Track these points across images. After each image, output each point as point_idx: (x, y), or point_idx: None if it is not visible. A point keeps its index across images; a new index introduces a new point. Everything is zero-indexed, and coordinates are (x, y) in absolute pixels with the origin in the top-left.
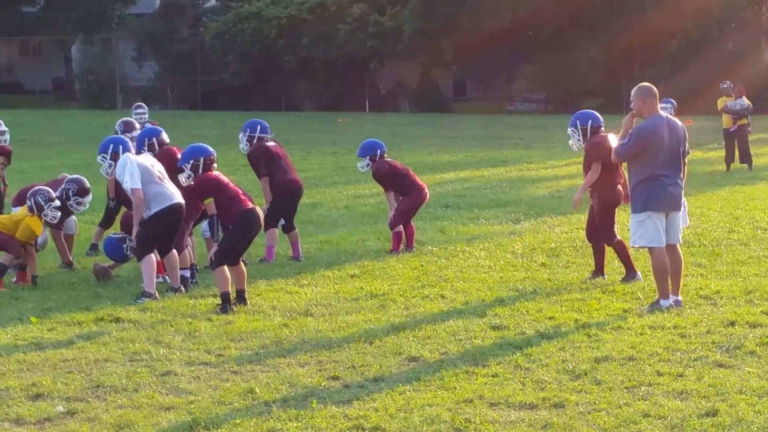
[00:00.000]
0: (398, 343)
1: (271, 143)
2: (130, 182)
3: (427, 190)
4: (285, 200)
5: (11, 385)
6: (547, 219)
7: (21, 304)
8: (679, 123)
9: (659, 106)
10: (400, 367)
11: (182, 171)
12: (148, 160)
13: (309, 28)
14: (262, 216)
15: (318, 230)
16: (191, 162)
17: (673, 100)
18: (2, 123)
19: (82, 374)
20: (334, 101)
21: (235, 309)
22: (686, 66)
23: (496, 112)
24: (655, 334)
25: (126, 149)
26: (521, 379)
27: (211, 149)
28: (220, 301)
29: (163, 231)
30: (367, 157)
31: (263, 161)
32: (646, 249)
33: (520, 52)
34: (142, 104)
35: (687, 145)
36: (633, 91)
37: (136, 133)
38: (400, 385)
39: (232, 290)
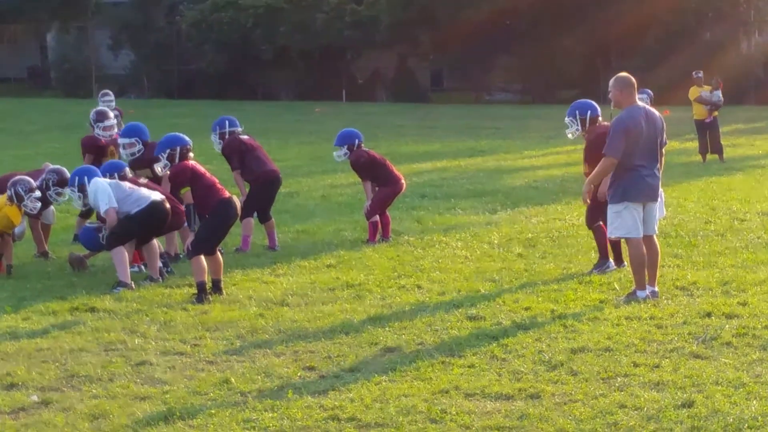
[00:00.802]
0: (374, 333)
1: (244, 136)
2: (108, 203)
3: (403, 181)
4: (263, 190)
5: None
6: (523, 209)
7: None
8: (657, 113)
9: (636, 96)
10: (376, 357)
11: (158, 160)
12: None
13: (286, 17)
14: (239, 205)
15: (294, 220)
16: (167, 151)
17: (649, 91)
18: None
19: (57, 364)
20: (311, 90)
21: (210, 299)
22: (664, 57)
23: (473, 102)
24: (631, 325)
25: (91, 177)
26: (497, 370)
27: (187, 138)
28: (195, 291)
29: (141, 229)
30: (345, 147)
31: (236, 154)
32: (623, 239)
33: (497, 43)
34: (108, 91)
35: (665, 135)
36: (611, 82)
37: (109, 122)
38: (376, 375)
39: (208, 280)
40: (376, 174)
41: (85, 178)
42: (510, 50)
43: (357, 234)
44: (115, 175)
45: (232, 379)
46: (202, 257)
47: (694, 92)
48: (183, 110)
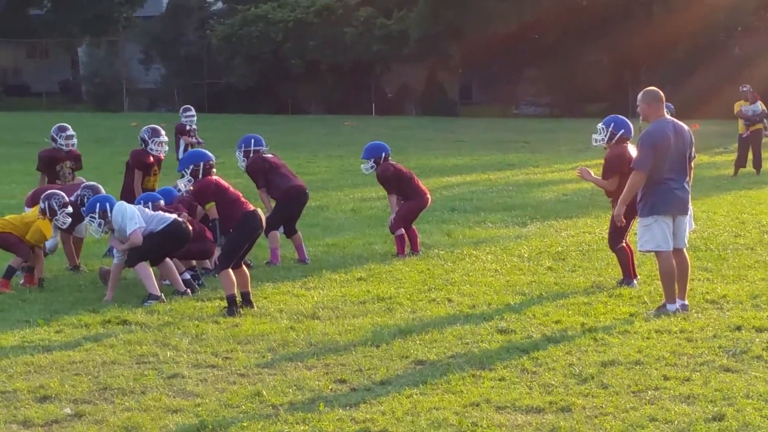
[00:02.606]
0: (405, 346)
1: (268, 155)
2: (138, 223)
3: (429, 196)
4: (289, 206)
5: (19, 388)
6: (553, 222)
7: (28, 306)
8: (686, 127)
9: (664, 110)
10: (407, 370)
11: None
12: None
13: (315, 31)
14: (263, 218)
15: (324, 233)
16: (191, 167)
17: (671, 105)
18: (69, 128)
19: (90, 376)
20: (340, 104)
21: (241, 312)
22: (693, 71)
23: (501, 116)
24: (661, 339)
25: (112, 205)
26: (528, 383)
27: (210, 154)
28: (226, 304)
29: (162, 245)
30: (372, 160)
31: (260, 173)
32: (652, 253)
33: (525, 56)
34: (190, 107)
35: (693, 149)
36: (639, 95)
37: (162, 138)
38: (407, 388)
39: (237, 293)
40: (401, 187)
41: (107, 204)
42: (538, 63)
43: (387, 247)
44: (149, 204)
45: (264, 392)
46: (230, 271)
47: (737, 106)
48: (213, 124)
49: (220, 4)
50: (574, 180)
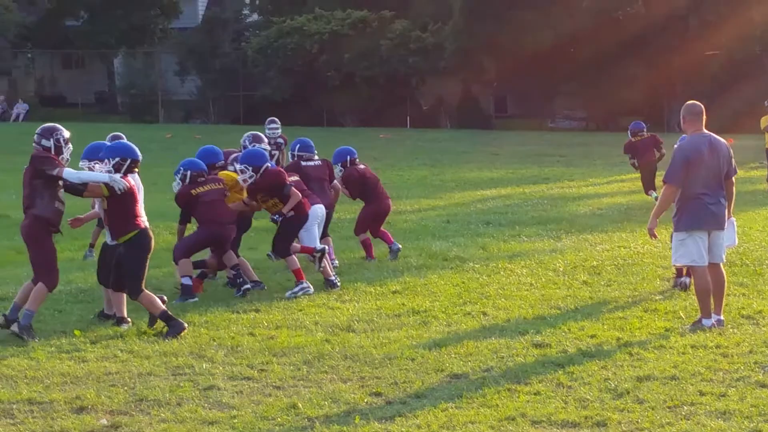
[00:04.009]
0: (440, 359)
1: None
2: None
3: (389, 201)
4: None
5: (55, 398)
6: (588, 236)
7: (65, 317)
8: (723, 141)
9: (702, 125)
10: (442, 383)
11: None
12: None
13: (351, 43)
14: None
15: (359, 246)
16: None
17: (641, 123)
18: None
19: (126, 388)
20: (375, 117)
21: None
22: (729, 85)
23: (536, 129)
24: (697, 354)
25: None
26: (563, 398)
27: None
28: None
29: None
30: (340, 164)
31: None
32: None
33: (561, 70)
34: (275, 119)
35: (733, 164)
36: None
37: (263, 145)
38: (443, 402)
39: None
40: (364, 191)
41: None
42: (574, 78)
43: (422, 260)
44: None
45: (299, 405)
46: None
47: (764, 121)
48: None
49: (255, 16)
50: (609, 194)
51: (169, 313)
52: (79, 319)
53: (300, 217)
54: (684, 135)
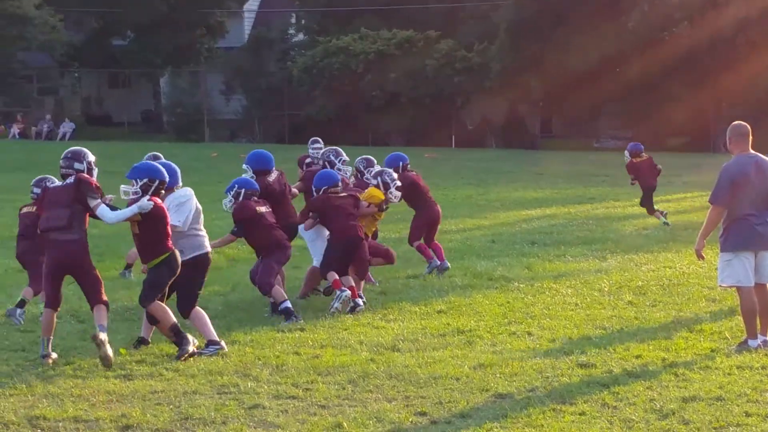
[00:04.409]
0: (485, 379)
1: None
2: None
3: (439, 208)
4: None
5: (101, 416)
6: (633, 257)
7: (110, 335)
8: None
9: (749, 145)
10: (487, 403)
11: None
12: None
13: (396, 63)
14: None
15: (405, 265)
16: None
17: (640, 145)
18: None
19: (171, 406)
20: (420, 136)
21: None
22: None
23: (582, 149)
24: (743, 374)
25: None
26: (608, 418)
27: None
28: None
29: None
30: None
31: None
32: (734, 288)
33: (606, 90)
34: (318, 139)
35: None
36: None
37: (373, 169)
38: (488, 421)
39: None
40: (415, 197)
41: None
42: (620, 97)
43: (467, 280)
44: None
45: (345, 424)
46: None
47: None
48: (294, 155)
49: (301, 36)
50: None
51: (180, 330)
52: (124, 338)
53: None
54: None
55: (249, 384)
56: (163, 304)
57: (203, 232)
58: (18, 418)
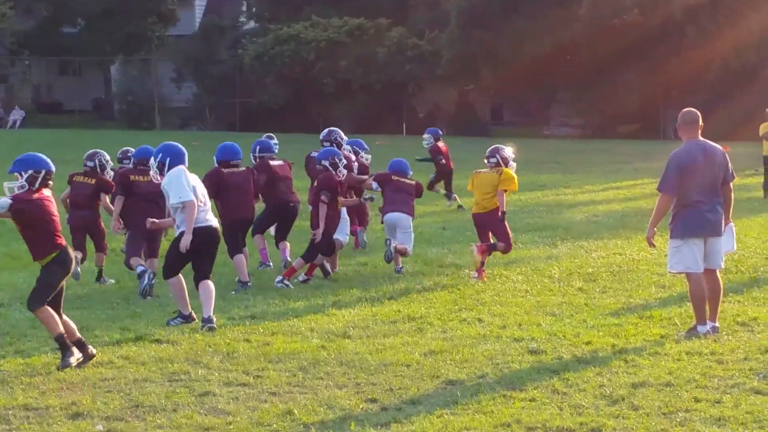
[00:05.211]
0: (436, 366)
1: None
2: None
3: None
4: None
5: (51, 404)
6: (584, 243)
7: None
8: (718, 148)
9: (698, 132)
10: (437, 390)
11: None
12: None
13: (347, 51)
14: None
15: (355, 252)
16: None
17: (438, 130)
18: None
19: (122, 394)
20: (371, 124)
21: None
22: (725, 93)
23: (533, 137)
24: (692, 360)
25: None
26: (559, 404)
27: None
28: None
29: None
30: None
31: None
32: (684, 274)
33: (557, 77)
34: (272, 135)
35: (730, 170)
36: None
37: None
38: (438, 408)
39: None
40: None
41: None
42: (570, 85)
43: (418, 267)
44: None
45: (295, 411)
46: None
47: (763, 128)
48: (245, 142)
49: (252, 24)
50: (605, 201)
51: (66, 342)
52: (75, 325)
53: None
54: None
55: (200, 371)
56: (53, 313)
57: (204, 207)
58: None
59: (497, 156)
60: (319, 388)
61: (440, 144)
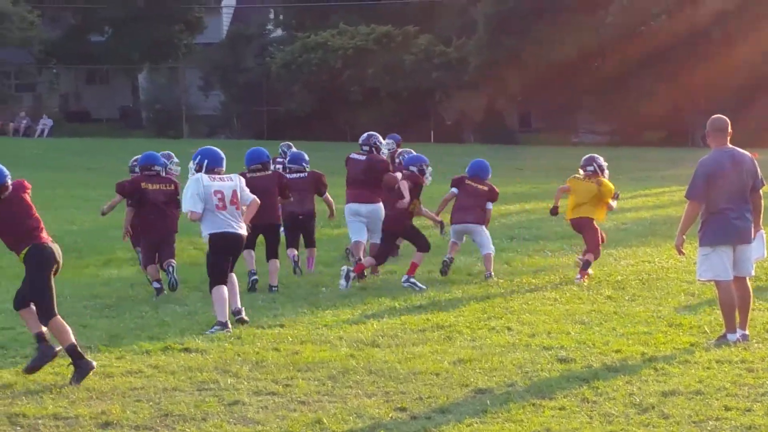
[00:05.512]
0: (465, 374)
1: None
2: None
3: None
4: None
5: (81, 413)
6: (612, 251)
7: (89, 332)
8: (747, 155)
9: (727, 139)
10: (467, 398)
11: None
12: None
13: (375, 58)
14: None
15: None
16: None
17: (397, 136)
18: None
19: (151, 403)
20: (398, 131)
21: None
22: (752, 99)
23: (561, 144)
24: (722, 369)
25: None
26: (588, 413)
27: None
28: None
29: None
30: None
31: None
32: (713, 282)
33: (585, 84)
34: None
35: (760, 177)
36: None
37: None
38: (467, 417)
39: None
40: None
41: None
42: (597, 92)
43: (447, 275)
44: None
45: (325, 420)
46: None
47: None
48: (272, 150)
49: (279, 32)
50: (633, 208)
51: (79, 350)
52: (103, 335)
53: None
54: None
55: (229, 380)
56: (32, 312)
57: (222, 214)
58: None
59: (594, 164)
60: (349, 397)
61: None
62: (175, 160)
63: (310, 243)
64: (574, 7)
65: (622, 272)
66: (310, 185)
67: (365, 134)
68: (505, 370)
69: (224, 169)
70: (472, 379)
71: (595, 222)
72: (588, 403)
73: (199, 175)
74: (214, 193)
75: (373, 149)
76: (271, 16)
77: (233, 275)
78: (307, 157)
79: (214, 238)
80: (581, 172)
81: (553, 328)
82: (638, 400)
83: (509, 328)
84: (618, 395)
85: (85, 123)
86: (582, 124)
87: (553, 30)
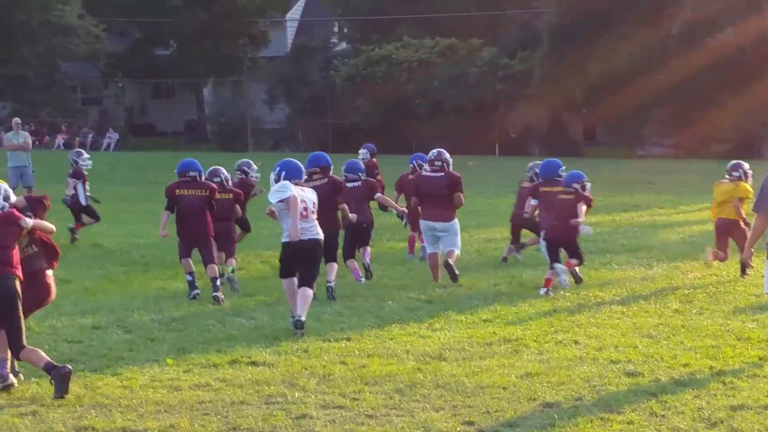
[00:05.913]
0: (532, 388)
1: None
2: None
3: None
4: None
5: (149, 427)
6: (679, 264)
7: (157, 345)
8: None
9: None
10: (534, 413)
11: None
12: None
13: (439, 71)
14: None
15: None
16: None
17: (372, 146)
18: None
19: (219, 416)
20: (463, 144)
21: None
22: None
23: (626, 157)
24: None
25: None
26: (657, 427)
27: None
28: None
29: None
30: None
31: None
32: None
33: (650, 96)
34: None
35: None
36: None
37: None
38: (535, 431)
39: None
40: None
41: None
42: (663, 104)
43: (513, 288)
44: None
45: None
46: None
47: None
48: (338, 163)
49: (343, 45)
50: (700, 221)
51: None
52: (171, 348)
53: None
54: None
55: (296, 394)
56: (33, 350)
57: (287, 223)
58: (66, 428)
59: (740, 170)
60: (416, 411)
61: (374, 160)
62: (255, 167)
63: (364, 244)
64: (640, 19)
65: (690, 285)
66: (364, 193)
67: (435, 151)
68: (573, 384)
69: (302, 181)
70: (539, 393)
71: (741, 223)
72: (656, 417)
73: (286, 183)
74: (299, 202)
75: (445, 165)
76: (336, 29)
77: (308, 289)
78: (362, 166)
79: (289, 244)
80: (726, 177)
81: (620, 341)
82: (707, 414)
83: (576, 342)
84: (686, 409)
85: (150, 137)
86: (647, 137)
87: (617, 42)
